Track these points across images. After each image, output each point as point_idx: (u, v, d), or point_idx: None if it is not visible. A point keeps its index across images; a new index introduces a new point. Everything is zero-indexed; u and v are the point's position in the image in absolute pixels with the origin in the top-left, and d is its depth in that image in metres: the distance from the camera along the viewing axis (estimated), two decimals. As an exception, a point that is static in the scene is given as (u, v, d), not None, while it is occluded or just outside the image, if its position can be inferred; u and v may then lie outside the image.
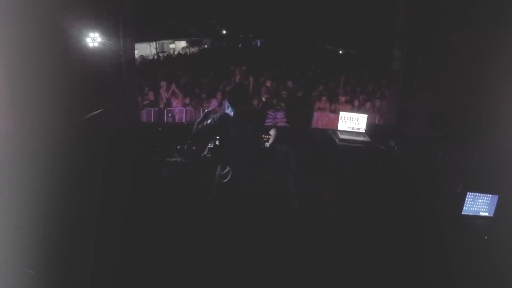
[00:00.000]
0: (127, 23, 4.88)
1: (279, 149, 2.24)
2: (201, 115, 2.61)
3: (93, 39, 4.39)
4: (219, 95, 6.38)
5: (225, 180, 2.52)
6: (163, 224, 3.33)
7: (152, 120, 6.00)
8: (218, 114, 2.47)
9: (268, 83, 7.54)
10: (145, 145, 3.38)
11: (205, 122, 2.45)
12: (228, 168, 2.48)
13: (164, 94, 6.42)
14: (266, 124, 2.87)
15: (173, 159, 3.12)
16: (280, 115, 5.57)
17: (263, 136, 3.28)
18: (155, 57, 17.18)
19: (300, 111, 2.27)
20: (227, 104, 2.50)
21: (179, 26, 21.66)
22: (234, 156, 2.44)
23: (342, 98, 6.54)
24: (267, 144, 3.16)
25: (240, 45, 27.39)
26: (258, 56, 16.46)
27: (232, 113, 2.39)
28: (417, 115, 4.93)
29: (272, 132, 2.61)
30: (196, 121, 2.54)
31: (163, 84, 6.57)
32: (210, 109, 2.75)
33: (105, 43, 4.67)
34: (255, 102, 6.48)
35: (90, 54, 4.41)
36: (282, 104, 6.19)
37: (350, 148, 3.16)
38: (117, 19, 4.72)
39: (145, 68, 10.37)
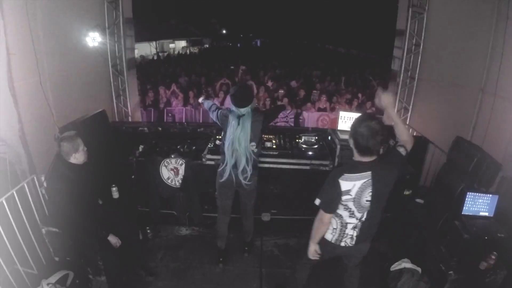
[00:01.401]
0: (127, 23, 4.89)
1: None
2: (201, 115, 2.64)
3: (93, 39, 4.39)
4: (221, 94, 6.38)
5: (221, 180, 2.52)
6: (162, 223, 3.34)
7: (152, 120, 5.99)
8: (223, 109, 2.53)
9: (270, 83, 7.54)
10: (145, 145, 3.38)
11: (217, 109, 2.55)
12: (224, 165, 2.48)
13: (164, 95, 6.42)
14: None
15: (173, 159, 3.11)
16: (280, 114, 5.56)
17: (263, 136, 3.28)
18: (155, 57, 17.21)
19: None
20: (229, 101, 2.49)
21: (179, 26, 21.69)
22: (229, 156, 2.44)
23: (343, 98, 6.55)
24: (268, 144, 3.18)
25: (239, 45, 27.45)
26: (258, 56, 16.47)
27: (233, 114, 2.39)
28: (417, 114, 4.94)
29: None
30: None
31: (162, 87, 6.57)
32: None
33: (105, 43, 4.68)
34: (255, 101, 6.49)
35: (90, 54, 4.42)
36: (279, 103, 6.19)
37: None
38: (117, 19, 4.73)
39: (145, 68, 10.38)
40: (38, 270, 2.57)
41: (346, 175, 1.73)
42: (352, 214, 1.83)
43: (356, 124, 1.71)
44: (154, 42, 19.92)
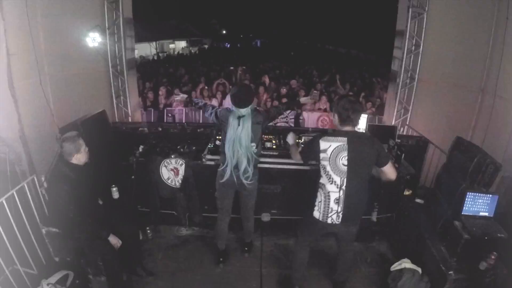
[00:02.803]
0: (127, 23, 4.89)
1: None
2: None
3: (93, 39, 4.39)
4: (219, 95, 6.38)
5: (222, 181, 2.52)
6: (162, 223, 3.34)
7: (152, 120, 5.99)
8: (222, 108, 2.53)
9: (267, 80, 7.52)
10: (145, 145, 3.38)
11: (213, 108, 2.58)
12: (225, 166, 2.48)
13: (163, 100, 6.38)
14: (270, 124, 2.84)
15: (173, 159, 3.12)
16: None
17: (263, 136, 3.29)
18: (155, 57, 17.22)
19: None
20: (229, 101, 2.48)
21: (179, 26, 21.70)
22: (230, 157, 2.44)
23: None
24: (268, 144, 3.18)
25: (238, 45, 27.48)
26: (258, 56, 16.48)
27: (234, 114, 2.38)
28: (417, 115, 4.94)
29: (290, 137, 2.53)
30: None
31: (162, 90, 6.53)
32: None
33: (105, 43, 4.68)
34: (255, 101, 6.49)
35: (90, 54, 4.42)
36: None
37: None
38: (117, 19, 4.73)
39: (145, 68, 10.37)
40: (38, 270, 2.57)
41: (326, 137, 2.06)
42: (330, 180, 2.04)
43: (338, 101, 2.11)
44: (154, 43, 19.92)
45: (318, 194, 2.11)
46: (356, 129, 2.12)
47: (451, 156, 2.76)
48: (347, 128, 2.07)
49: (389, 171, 2.10)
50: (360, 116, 2.09)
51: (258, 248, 3.06)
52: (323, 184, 2.08)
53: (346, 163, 2.00)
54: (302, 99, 2.68)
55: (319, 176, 2.10)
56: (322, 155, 2.04)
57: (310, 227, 2.27)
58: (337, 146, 2.01)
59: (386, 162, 2.07)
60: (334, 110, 2.10)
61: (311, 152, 2.12)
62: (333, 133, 2.10)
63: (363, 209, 2.19)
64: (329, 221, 2.10)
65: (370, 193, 2.17)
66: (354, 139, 2.02)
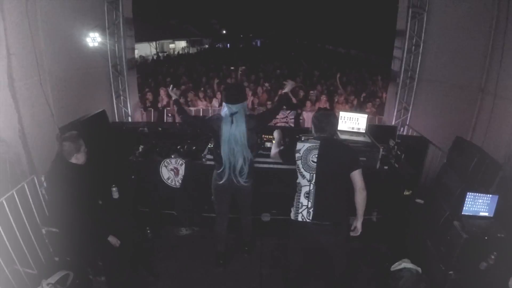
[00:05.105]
0: (127, 23, 4.89)
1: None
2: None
3: (93, 39, 4.39)
4: (219, 95, 6.38)
5: (219, 183, 2.51)
6: (162, 223, 3.35)
7: (152, 120, 5.99)
8: (213, 116, 2.53)
9: (266, 84, 7.50)
10: (145, 145, 3.38)
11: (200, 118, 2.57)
12: (222, 168, 2.47)
13: (164, 98, 6.38)
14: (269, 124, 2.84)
15: (173, 159, 3.12)
16: (280, 115, 5.54)
17: (263, 136, 3.28)
18: (155, 57, 17.20)
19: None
20: (224, 104, 2.47)
21: (179, 26, 21.70)
22: (227, 157, 2.43)
23: (341, 98, 6.54)
24: (268, 144, 3.17)
25: (240, 45, 27.49)
26: (258, 56, 16.45)
27: (226, 114, 2.37)
28: (417, 115, 4.94)
29: (275, 134, 2.56)
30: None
31: (163, 90, 6.52)
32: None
33: (105, 43, 4.68)
34: (255, 101, 6.50)
35: (90, 54, 4.42)
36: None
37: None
38: (117, 19, 4.74)
39: (145, 68, 10.36)
40: (38, 270, 2.57)
41: (302, 141, 2.25)
42: (302, 175, 2.17)
43: (315, 113, 2.29)
44: (154, 42, 19.92)
45: (296, 194, 2.20)
46: (330, 134, 2.26)
47: (451, 156, 2.76)
48: (321, 134, 2.22)
49: (356, 179, 2.11)
50: (335, 127, 2.32)
51: (258, 248, 3.06)
52: (298, 183, 2.20)
53: (315, 160, 2.12)
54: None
55: (296, 177, 2.22)
56: (296, 155, 2.20)
57: (292, 234, 2.30)
58: (310, 146, 2.17)
59: (355, 167, 2.11)
60: (311, 121, 2.28)
61: (290, 152, 2.25)
62: (310, 138, 2.26)
63: (339, 212, 2.14)
64: (299, 218, 2.13)
65: (347, 198, 2.15)
66: (327, 142, 2.18)
